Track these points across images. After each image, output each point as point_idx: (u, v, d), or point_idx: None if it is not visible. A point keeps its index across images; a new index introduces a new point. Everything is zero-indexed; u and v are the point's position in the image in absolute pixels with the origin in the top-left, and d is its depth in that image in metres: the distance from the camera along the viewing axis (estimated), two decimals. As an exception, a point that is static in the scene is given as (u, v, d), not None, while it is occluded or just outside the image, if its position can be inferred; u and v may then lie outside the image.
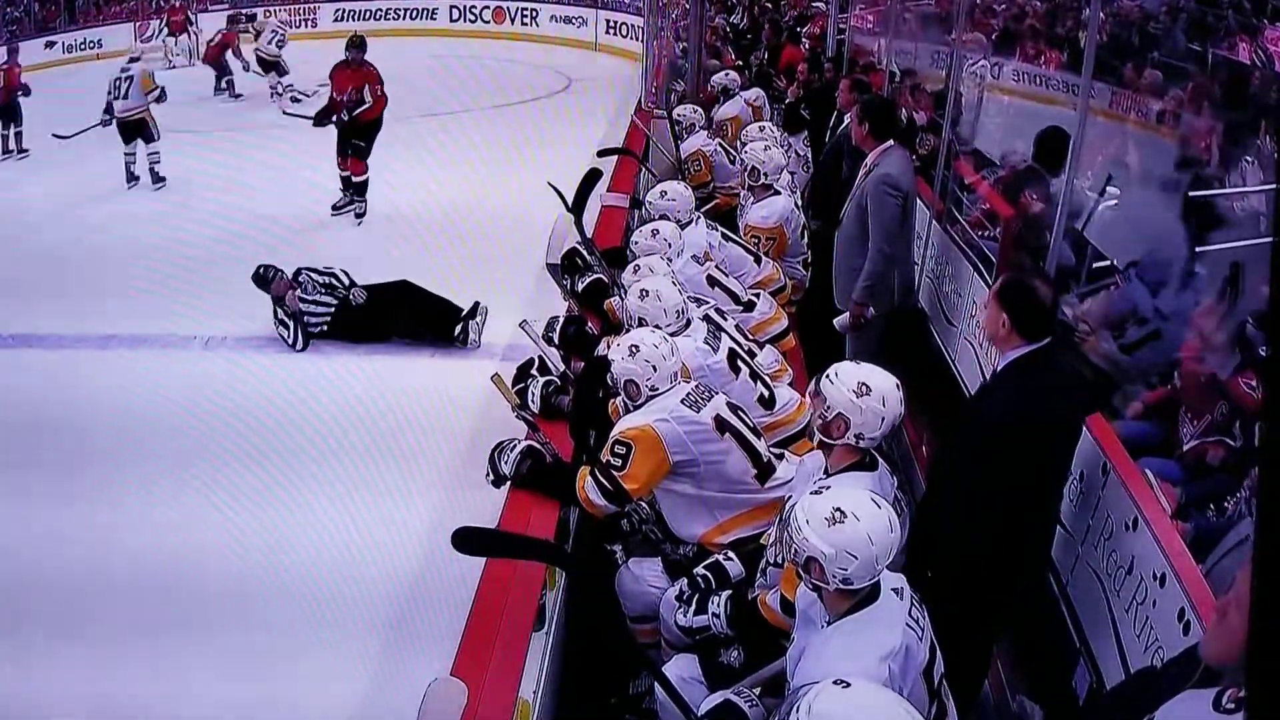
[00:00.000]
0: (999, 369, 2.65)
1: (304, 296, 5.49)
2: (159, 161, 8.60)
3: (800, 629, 2.20)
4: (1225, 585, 2.34)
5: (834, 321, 4.25)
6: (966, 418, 2.96)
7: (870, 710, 1.69)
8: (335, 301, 5.52)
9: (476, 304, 5.50)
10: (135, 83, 8.51)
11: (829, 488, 2.17)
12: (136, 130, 8.50)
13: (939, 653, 2.13)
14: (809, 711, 1.65)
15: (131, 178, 8.64)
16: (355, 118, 7.52)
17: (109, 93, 8.49)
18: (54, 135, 8.43)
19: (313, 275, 5.56)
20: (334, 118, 7.64)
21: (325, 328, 5.53)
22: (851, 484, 2.35)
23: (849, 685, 1.69)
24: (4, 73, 10.12)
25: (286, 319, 5.48)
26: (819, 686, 1.71)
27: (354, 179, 7.71)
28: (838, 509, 2.01)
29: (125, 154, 8.59)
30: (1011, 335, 2.58)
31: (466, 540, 2.35)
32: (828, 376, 2.48)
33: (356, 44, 7.72)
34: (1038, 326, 2.56)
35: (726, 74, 7.32)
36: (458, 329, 5.43)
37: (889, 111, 4.33)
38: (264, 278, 5.57)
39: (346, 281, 5.60)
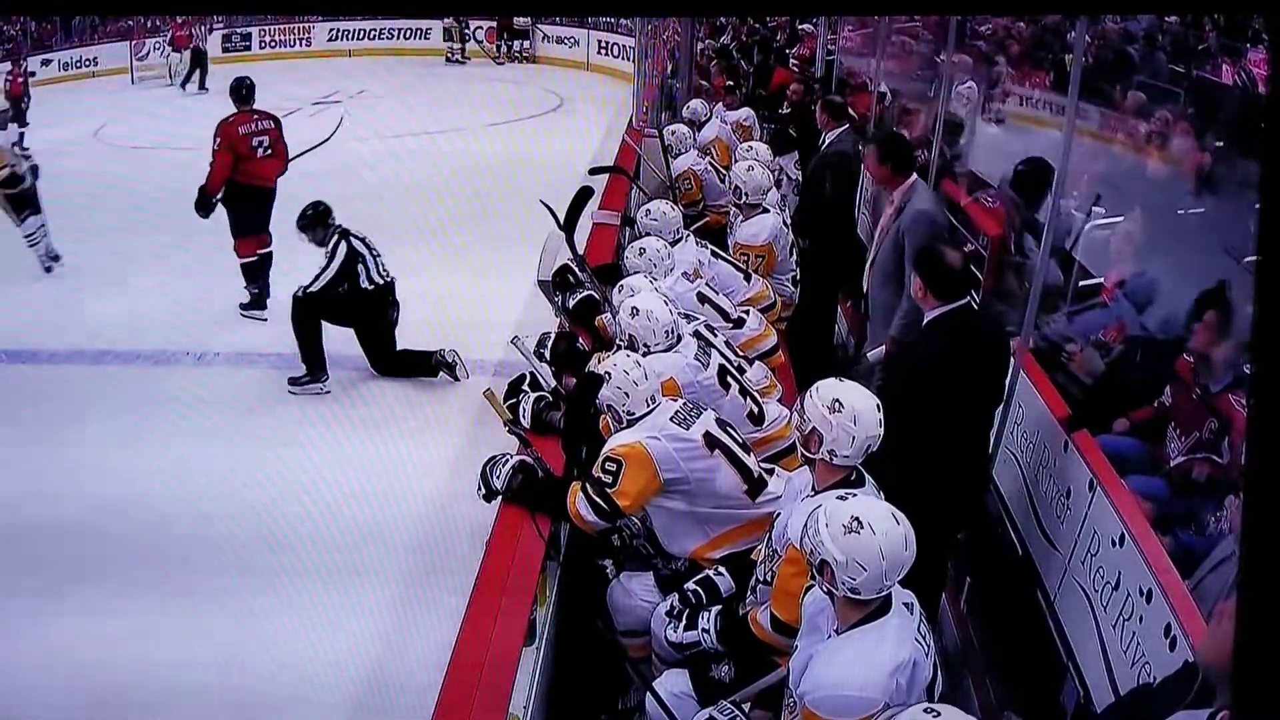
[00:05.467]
0: (922, 327, 3.11)
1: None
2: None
3: (806, 636, 2.21)
4: (1211, 600, 2.36)
5: (868, 354, 4.14)
6: (896, 370, 3.41)
7: None
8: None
9: (441, 353, 5.36)
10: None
11: (854, 495, 2.17)
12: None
13: (940, 671, 2.14)
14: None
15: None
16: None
17: None
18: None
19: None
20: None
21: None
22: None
23: (939, 714, 1.73)
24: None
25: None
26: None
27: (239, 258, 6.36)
28: (856, 518, 2.02)
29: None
30: (928, 297, 3.01)
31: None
32: (810, 391, 2.50)
33: (233, 90, 6.34)
34: (948, 288, 2.99)
35: (689, 106, 7.45)
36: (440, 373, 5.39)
37: (905, 146, 4.23)
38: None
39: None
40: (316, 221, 5.26)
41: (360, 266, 5.22)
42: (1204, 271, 3.18)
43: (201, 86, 15.33)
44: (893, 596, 2.08)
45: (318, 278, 5.18)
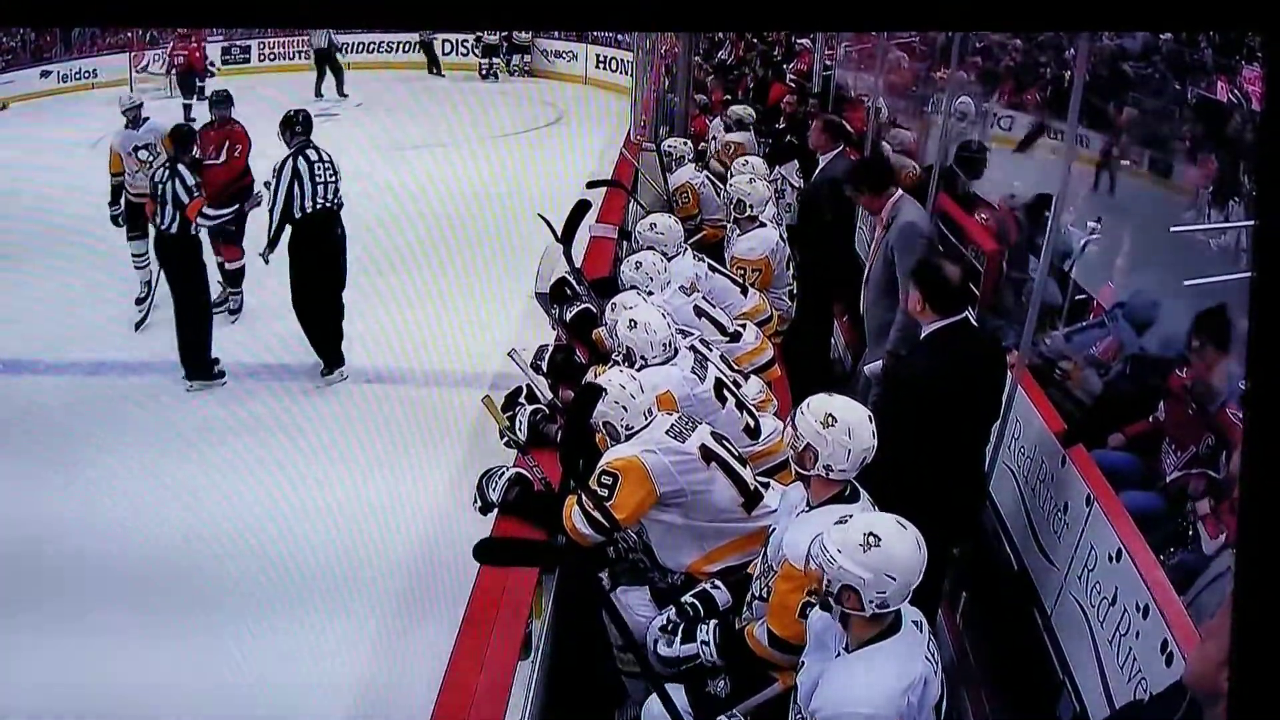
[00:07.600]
0: (920, 341, 3.10)
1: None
2: None
3: (814, 652, 2.20)
4: (1206, 617, 2.36)
5: (865, 368, 4.16)
6: (891, 384, 3.39)
7: None
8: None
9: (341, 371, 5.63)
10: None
11: (850, 517, 2.15)
12: None
13: (945, 688, 2.14)
14: None
15: None
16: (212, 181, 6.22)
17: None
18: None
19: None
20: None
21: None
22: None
23: None
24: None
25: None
26: None
27: (227, 266, 6.53)
28: (869, 534, 2.01)
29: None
30: (926, 310, 3.01)
31: (490, 551, 2.56)
32: (801, 408, 2.50)
33: (216, 101, 6.71)
34: (947, 302, 2.99)
35: (745, 108, 7.52)
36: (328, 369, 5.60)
37: (875, 167, 4.29)
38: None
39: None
40: (285, 125, 5.44)
41: (297, 189, 5.25)
42: (1203, 292, 3.20)
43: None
44: (903, 614, 2.08)
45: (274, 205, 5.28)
